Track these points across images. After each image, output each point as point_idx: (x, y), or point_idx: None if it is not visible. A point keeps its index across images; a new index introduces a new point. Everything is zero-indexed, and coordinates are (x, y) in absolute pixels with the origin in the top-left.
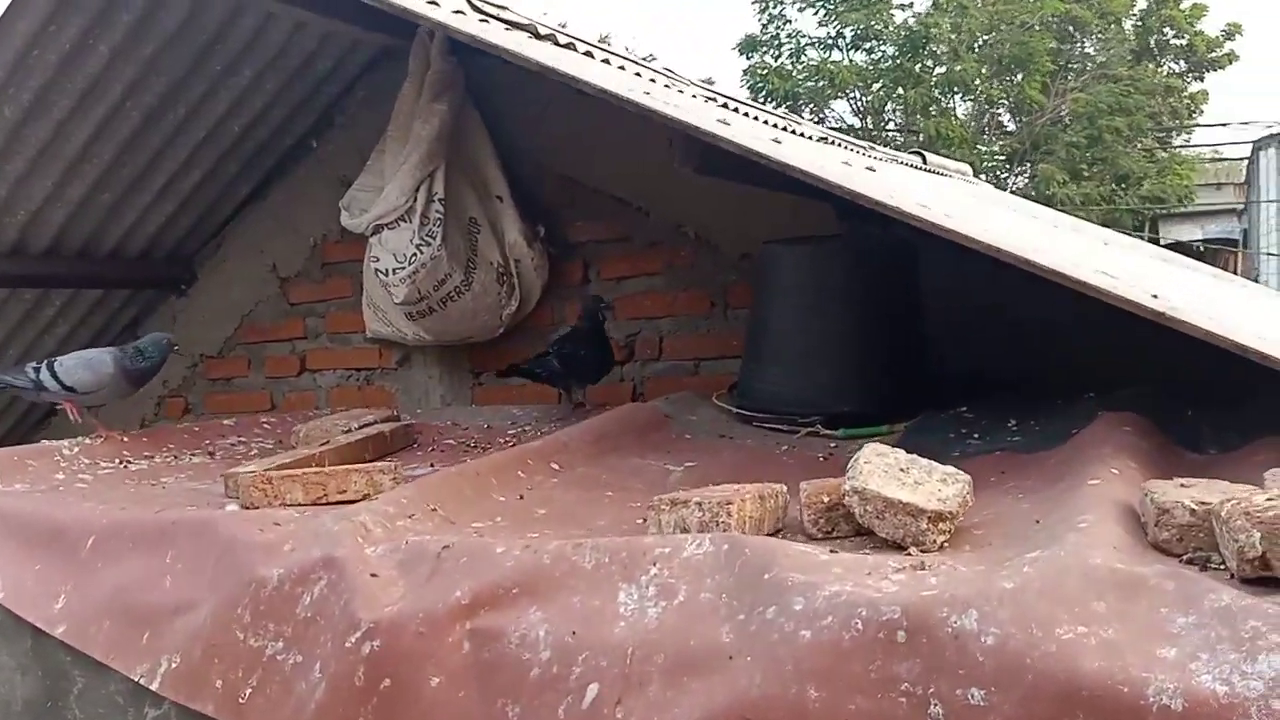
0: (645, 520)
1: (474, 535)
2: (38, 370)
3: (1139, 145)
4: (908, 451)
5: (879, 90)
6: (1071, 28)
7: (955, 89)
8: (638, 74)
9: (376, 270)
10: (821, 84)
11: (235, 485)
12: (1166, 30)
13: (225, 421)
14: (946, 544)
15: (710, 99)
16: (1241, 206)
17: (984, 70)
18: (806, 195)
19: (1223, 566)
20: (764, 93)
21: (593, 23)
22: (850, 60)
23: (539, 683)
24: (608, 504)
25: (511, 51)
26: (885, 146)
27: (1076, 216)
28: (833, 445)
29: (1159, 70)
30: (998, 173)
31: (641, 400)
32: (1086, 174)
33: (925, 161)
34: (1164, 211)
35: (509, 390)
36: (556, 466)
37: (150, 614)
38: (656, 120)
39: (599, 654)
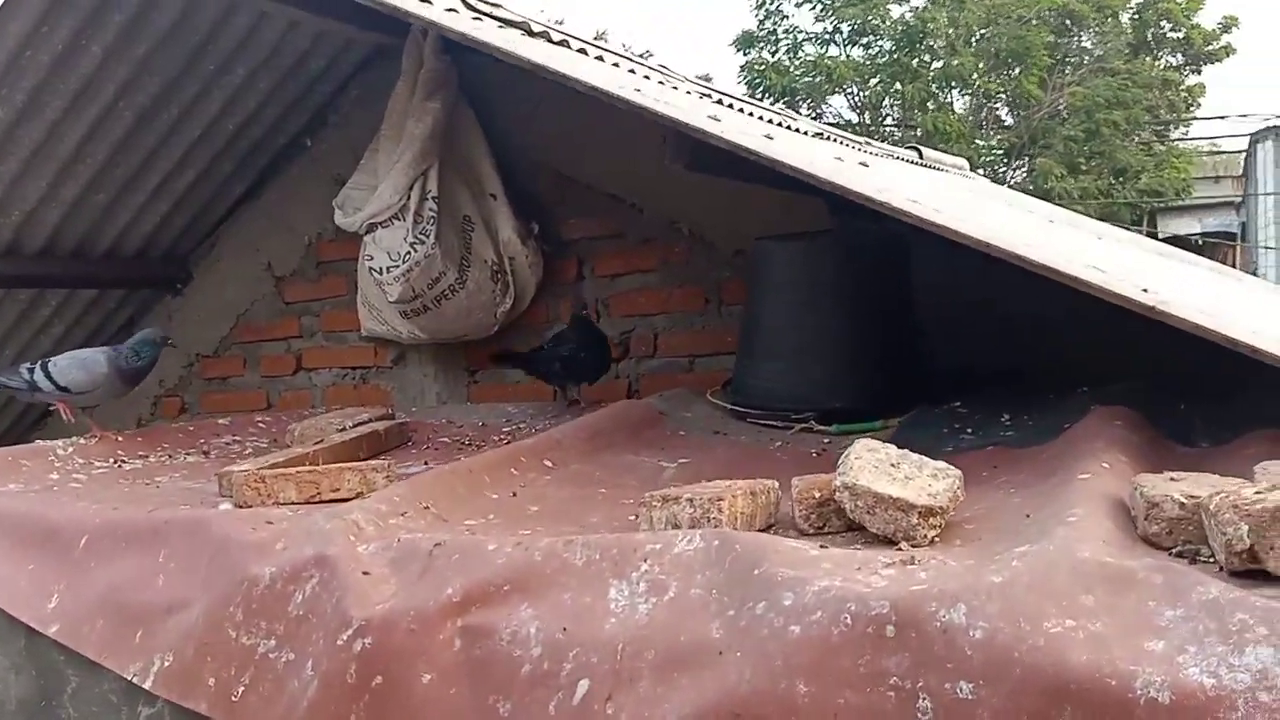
0: (637, 517)
1: (466, 533)
2: (32, 371)
3: (1137, 139)
4: (901, 447)
5: (876, 85)
6: (1068, 21)
7: (953, 84)
8: (632, 71)
9: (371, 269)
10: (819, 79)
11: (229, 484)
12: (1163, 24)
13: (220, 420)
14: (937, 539)
15: (704, 95)
16: (1239, 199)
17: (981, 65)
18: (799, 191)
19: (1212, 560)
20: (761, 89)
21: (591, 21)
22: (847, 55)
23: (530, 679)
24: (601, 501)
25: (502, 49)
26: (883, 142)
27: (1074, 210)
28: (826, 441)
29: (1156, 64)
30: (996, 167)
31: (636, 397)
32: (1084, 168)
33: (922, 156)
34: (1162, 205)
35: (504, 388)
36: (550, 464)
37: (143, 613)
38: (647, 117)
39: (590, 650)
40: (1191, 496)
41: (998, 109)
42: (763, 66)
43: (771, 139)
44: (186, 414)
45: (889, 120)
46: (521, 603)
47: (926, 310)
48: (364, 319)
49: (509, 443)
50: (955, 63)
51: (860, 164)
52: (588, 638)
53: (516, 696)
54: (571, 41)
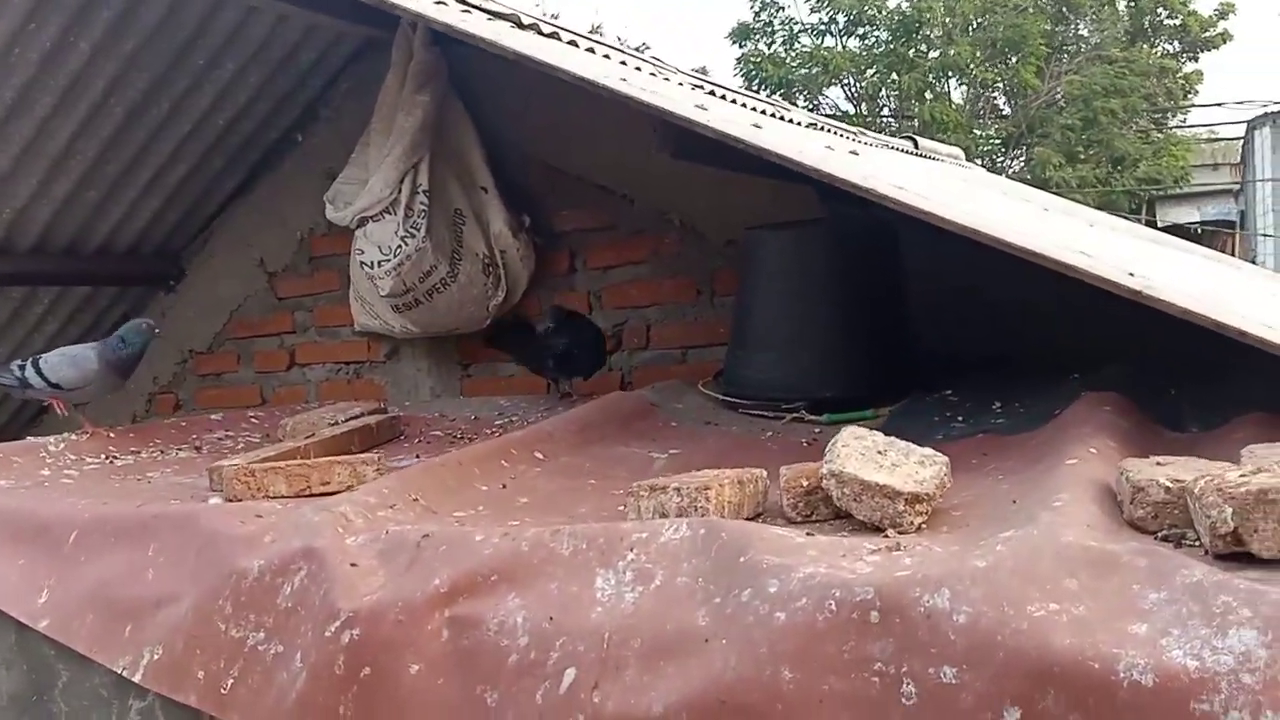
0: (625, 507)
1: (454, 524)
2: (23, 368)
3: (1134, 127)
4: (892, 435)
5: (873, 76)
6: (1065, 9)
7: (949, 73)
8: (623, 62)
9: (362, 263)
10: (815, 71)
11: (219, 478)
12: (1160, 10)
13: (212, 416)
14: (924, 526)
15: (697, 87)
16: (1238, 187)
17: (978, 54)
18: (789, 180)
19: (1197, 543)
20: (758, 81)
21: (589, 17)
22: (844, 46)
23: (517, 669)
24: (590, 492)
25: (487, 40)
26: (880, 132)
27: (1072, 199)
28: (817, 431)
29: (1153, 51)
30: (994, 157)
31: (629, 390)
32: (1082, 157)
33: (917, 146)
34: (1161, 193)
35: (497, 381)
36: (540, 455)
37: (133, 607)
38: (633, 107)
39: (576, 639)
40: (1177, 480)
41: (995, 98)
42: (759, 58)
43: (759, 128)
44: (181, 410)
45: (886, 111)
46: (509, 593)
47: (914, 297)
48: (356, 313)
49: (500, 435)
50: (952, 52)
51: (851, 153)
52: (574, 627)
53: (504, 686)
54: (562, 34)
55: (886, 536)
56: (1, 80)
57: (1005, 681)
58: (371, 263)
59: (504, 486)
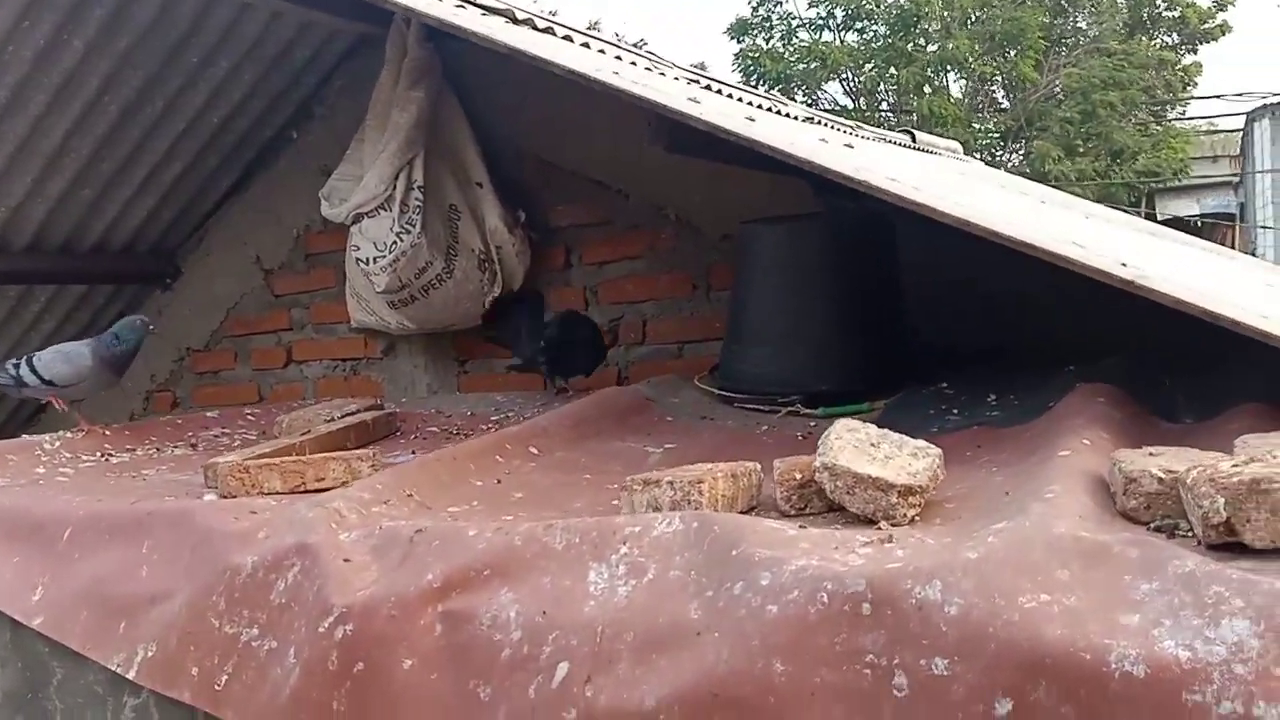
0: (619, 501)
1: (448, 519)
2: (17, 366)
3: (1133, 120)
4: (887, 428)
5: (871, 70)
6: (1063, 2)
7: (948, 67)
8: (618, 57)
9: (357, 259)
10: (814, 66)
11: (214, 475)
12: (1158, 3)
13: (208, 414)
14: (917, 518)
15: (693, 81)
16: (1237, 179)
17: (976, 48)
18: (784, 173)
19: (1190, 534)
20: (756, 76)
21: (587, 13)
22: (842, 41)
23: (510, 663)
24: (585, 487)
25: (481, 35)
26: (879, 127)
27: (1072, 193)
28: (812, 424)
29: (1152, 44)
30: (993, 150)
31: (625, 385)
32: (1081, 150)
33: (915, 140)
34: (1160, 186)
35: (494, 378)
36: (535, 451)
37: (127, 604)
38: (626, 100)
39: (569, 633)
40: (1170, 471)
41: (994, 92)
42: (757, 54)
43: (753, 121)
44: (179, 408)
45: (885, 105)
46: (501, 587)
47: (910, 290)
48: (353, 310)
49: (496, 431)
50: (950, 46)
51: (845, 145)
52: (567, 621)
53: (497, 680)
54: (557, 29)
55: (879, 529)
56: None
57: (997, 673)
58: (367, 259)
59: (498, 482)
